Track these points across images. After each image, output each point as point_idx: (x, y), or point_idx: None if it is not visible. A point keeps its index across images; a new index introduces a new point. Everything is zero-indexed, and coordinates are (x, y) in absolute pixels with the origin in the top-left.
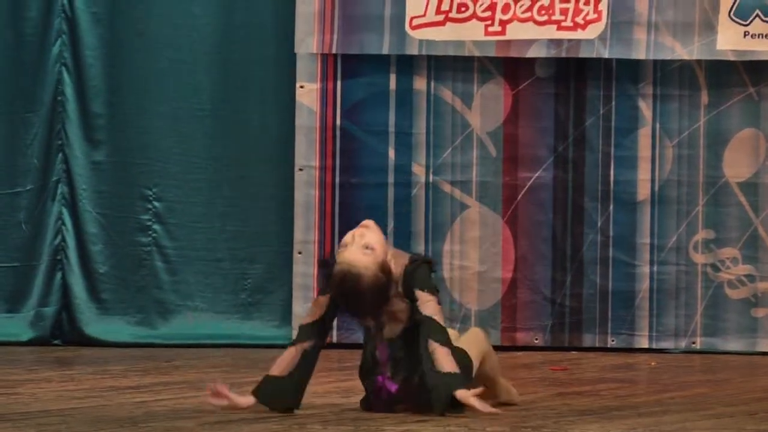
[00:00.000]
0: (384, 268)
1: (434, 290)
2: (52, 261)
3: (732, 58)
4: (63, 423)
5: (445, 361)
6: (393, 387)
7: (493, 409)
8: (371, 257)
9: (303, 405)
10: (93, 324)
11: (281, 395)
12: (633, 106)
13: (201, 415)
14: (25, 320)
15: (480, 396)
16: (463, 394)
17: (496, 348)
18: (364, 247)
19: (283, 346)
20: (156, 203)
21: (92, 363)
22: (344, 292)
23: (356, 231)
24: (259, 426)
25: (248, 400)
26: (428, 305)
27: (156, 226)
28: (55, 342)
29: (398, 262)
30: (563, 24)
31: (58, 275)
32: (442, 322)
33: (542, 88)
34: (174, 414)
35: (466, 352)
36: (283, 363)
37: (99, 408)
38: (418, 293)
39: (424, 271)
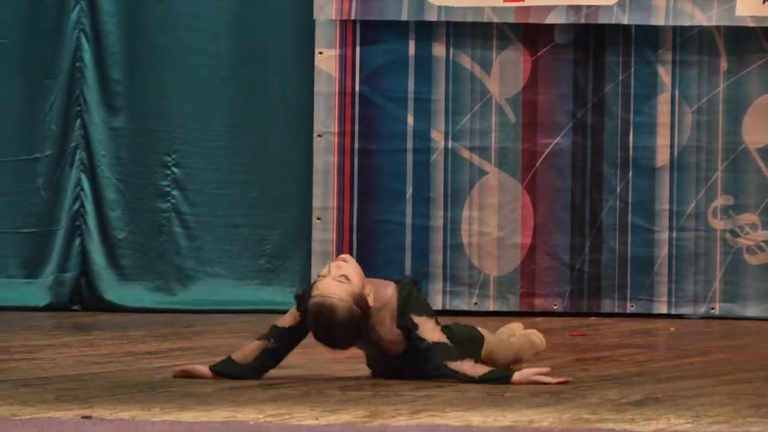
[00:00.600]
0: (360, 302)
1: (431, 313)
2: (70, 227)
3: (751, 24)
4: (82, 388)
5: (477, 369)
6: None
7: (561, 378)
8: (347, 287)
9: (323, 369)
10: (112, 290)
11: (234, 376)
12: (652, 73)
13: (219, 381)
14: (44, 286)
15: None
16: (520, 376)
17: (516, 314)
18: (340, 276)
19: None
20: (175, 169)
21: (111, 328)
22: (319, 323)
23: (333, 263)
24: (276, 392)
25: (205, 369)
26: (431, 331)
27: (175, 192)
28: (74, 308)
29: (383, 292)
30: None
31: (77, 241)
32: (449, 344)
33: (561, 54)
34: (192, 380)
35: (474, 327)
36: (246, 350)
37: (118, 373)
38: (417, 319)
39: (416, 295)
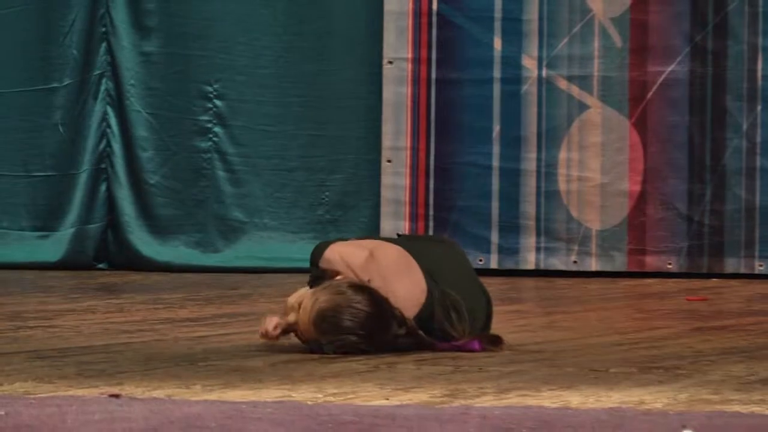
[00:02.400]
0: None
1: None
2: (94, 170)
3: None
4: (109, 361)
5: None
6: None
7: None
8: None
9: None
10: (144, 245)
11: None
12: None
13: (271, 353)
14: (63, 240)
15: None
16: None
17: (622, 275)
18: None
19: None
20: (217, 102)
21: (143, 290)
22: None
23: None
24: (339, 366)
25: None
26: None
27: (217, 129)
28: (100, 266)
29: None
30: None
31: (103, 187)
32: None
33: None
34: (240, 351)
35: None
36: None
37: (151, 344)
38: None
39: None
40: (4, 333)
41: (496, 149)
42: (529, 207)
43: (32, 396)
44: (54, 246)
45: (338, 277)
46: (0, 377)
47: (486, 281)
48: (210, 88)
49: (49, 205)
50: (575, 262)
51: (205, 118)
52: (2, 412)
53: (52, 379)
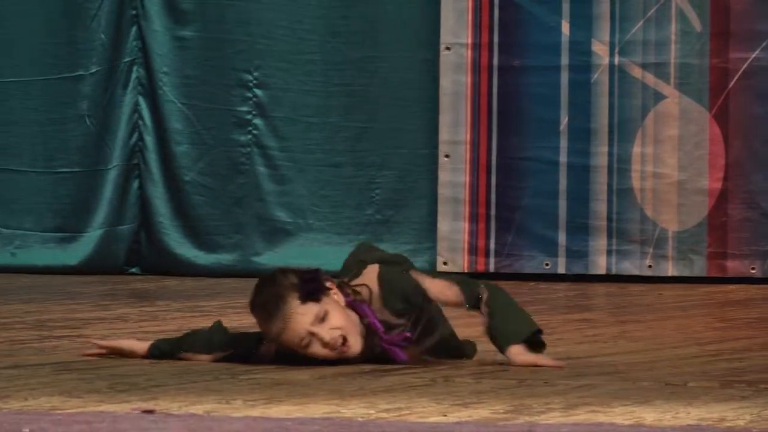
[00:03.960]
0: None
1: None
2: (125, 166)
3: None
4: (142, 374)
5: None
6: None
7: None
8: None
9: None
10: (179, 247)
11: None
12: None
13: (318, 366)
14: (91, 242)
15: None
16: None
17: (702, 280)
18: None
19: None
20: (257, 91)
21: (178, 297)
22: None
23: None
24: (393, 378)
25: (139, 346)
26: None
27: (257, 121)
28: (131, 270)
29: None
30: None
31: (135, 184)
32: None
33: None
34: (283, 363)
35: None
36: None
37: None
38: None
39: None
40: (28, 343)
41: (563, 143)
42: (599, 206)
43: (59, 411)
44: (81, 248)
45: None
46: (24, 391)
47: (553, 287)
48: (249, 76)
49: (75, 204)
50: (650, 266)
51: (245, 108)
52: (26, 430)
53: (81, 394)
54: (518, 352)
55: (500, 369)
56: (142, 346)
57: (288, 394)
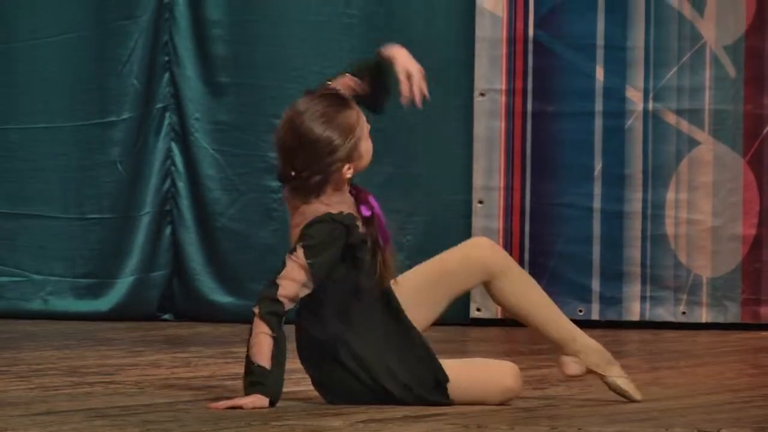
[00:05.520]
0: None
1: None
2: (158, 212)
3: None
4: (175, 420)
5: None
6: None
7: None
8: None
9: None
10: (212, 293)
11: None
12: None
13: (352, 412)
14: (123, 288)
15: None
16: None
17: (736, 327)
18: None
19: (458, 323)
20: None
21: (212, 343)
22: None
23: None
24: (425, 425)
25: (255, 400)
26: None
27: None
28: (164, 317)
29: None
30: None
31: (167, 230)
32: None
33: None
34: (317, 409)
35: None
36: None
37: (221, 401)
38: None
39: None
40: (61, 389)
41: (597, 189)
42: (633, 252)
43: None
44: (113, 295)
45: None
46: None
47: (587, 333)
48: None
49: (106, 250)
50: (684, 312)
51: (276, 154)
52: None
53: None
54: None
55: (534, 416)
56: (258, 401)
57: None
